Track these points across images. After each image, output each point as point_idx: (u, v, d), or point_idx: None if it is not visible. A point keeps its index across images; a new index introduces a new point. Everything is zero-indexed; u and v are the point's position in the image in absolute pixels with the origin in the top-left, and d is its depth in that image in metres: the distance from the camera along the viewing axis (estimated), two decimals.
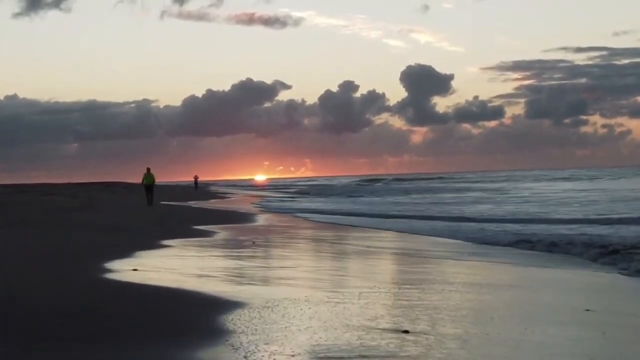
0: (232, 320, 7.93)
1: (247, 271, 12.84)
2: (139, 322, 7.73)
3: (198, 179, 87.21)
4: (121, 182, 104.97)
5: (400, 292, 10.37)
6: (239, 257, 15.33)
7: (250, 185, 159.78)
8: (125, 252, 14.96)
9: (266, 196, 73.60)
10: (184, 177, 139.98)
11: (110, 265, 12.63)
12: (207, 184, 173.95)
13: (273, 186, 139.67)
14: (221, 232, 21.91)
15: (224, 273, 12.40)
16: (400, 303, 9.44)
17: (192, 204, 47.99)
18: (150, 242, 17.63)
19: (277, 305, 8.94)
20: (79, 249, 15.81)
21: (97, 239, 18.53)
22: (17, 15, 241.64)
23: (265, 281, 11.57)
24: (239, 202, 54.58)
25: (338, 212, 38.84)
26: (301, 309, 8.65)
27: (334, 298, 9.61)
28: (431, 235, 22.87)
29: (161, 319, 7.99)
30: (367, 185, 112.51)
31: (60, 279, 10.82)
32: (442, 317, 8.49)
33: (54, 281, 10.59)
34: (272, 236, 21.93)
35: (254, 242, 18.64)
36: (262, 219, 30.62)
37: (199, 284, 10.87)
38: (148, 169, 41.46)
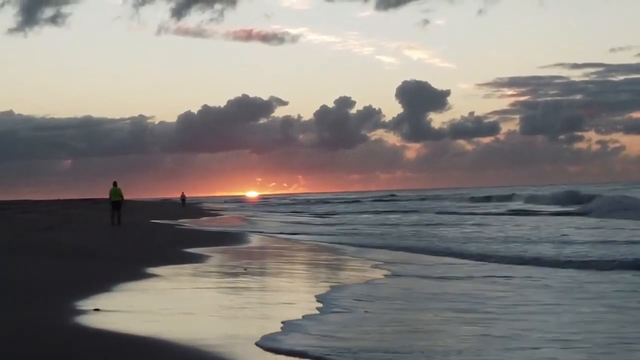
0: None
1: (239, 310, 10.56)
2: None
3: (185, 196, 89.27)
4: (108, 199, 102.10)
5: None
6: (229, 289, 13.14)
7: (239, 202, 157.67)
8: (96, 285, 12.65)
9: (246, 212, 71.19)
10: (176, 194, 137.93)
11: (73, 304, 10.32)
12: (199, 200, 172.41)
13: (262, 203, 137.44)
14: (210, 256, 19.64)
15: (211, 312, 10.21)
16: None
17: (181, 222, 45.75)
18: (133, 270, 15.28)
19: None
20: (36, 280, 13.43)
21: (64, 266, 16.12)
22: (12, 30, 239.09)
23: (262, 326, 9.19)
24: (225, 220, 52.33)
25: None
26: None
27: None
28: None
29: None
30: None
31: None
32: None
33: None
34: (263, 261, 19.67)
35: (245, 269, 16.41)
36: (245, 240, 28.16)
37: (179, 329, 8.68)
38: (114, 183, 36.88)
